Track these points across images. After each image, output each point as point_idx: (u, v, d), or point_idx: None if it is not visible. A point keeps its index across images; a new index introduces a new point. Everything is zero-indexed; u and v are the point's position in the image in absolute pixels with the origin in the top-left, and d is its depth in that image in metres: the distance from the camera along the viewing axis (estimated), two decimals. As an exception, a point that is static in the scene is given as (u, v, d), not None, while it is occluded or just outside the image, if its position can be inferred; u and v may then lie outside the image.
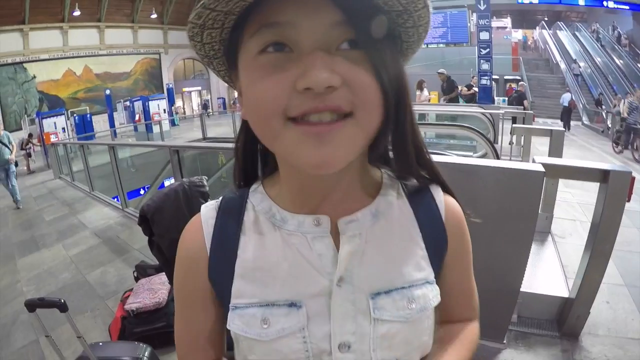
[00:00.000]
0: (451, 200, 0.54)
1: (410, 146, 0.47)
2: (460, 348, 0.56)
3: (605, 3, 17.25)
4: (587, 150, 8.73)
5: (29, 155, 11.64)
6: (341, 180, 0.47)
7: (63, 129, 13.18)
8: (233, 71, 0.47)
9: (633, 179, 1.83)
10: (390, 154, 0.51)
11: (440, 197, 0.53)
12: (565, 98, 12.96)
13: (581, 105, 14.75)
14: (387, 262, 0.48)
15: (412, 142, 0.47)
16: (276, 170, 0.52)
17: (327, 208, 0.48)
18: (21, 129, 14.88)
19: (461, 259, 0.55)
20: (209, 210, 0.53)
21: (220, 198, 0.55)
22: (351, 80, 0.38)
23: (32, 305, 1.53)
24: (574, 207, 4.26)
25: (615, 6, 17.20)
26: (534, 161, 1.80)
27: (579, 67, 16.13)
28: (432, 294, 0.49)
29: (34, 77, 18.69)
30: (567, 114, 12.76)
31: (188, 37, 0.43)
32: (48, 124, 12.84)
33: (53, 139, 11.66)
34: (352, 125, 0.39)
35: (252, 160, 0.55)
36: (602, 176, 1.86)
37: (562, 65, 17.79)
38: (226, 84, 0.55)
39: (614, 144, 8.98)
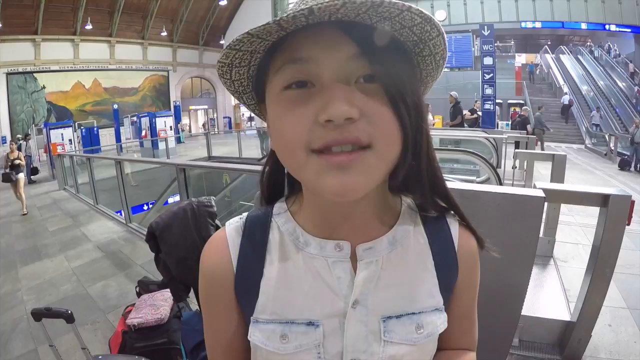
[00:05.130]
0: (466, 232, 0.56)
1: (425, 174, 0.49)
2: None
3: (607, 27, 17.46)
4: (590, 173, 8.72)
5: (10, 179, 7.45)
6: (361, 207, 0.49)
7: (70, 140, 13.28)
8: (262, 104, 0.51)
9: (633, 202, 1.85)
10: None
11: (456, 228, 0.56)
12: (565, 98, 16.87)
13: (584, 129, 14.82)
14: (400, 289, 0.51)
15: (428, 171, 0.49)
16: (300, 192, 0.55)
17: (347, 232, 0.51)
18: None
19: (468, 290, 0.57)
20: (234, 228, 0.56)
21: (245, 215, 0.57)
22: (369, 112, 0.40)
23: (38, 315, 1.54)
24: (576, 230, 4.26)
25: (617, 29, 17.42)
26: (534, 186, 1.83)
27: (600, 116, 15.39)
28: (440, 321, 0.52)
29: (44, 87, 18.96)
30: (566, 110, 16.38)
31: (218, 75, 0.47)
32: (55, 135, 12.93)
33: (59, 150, 11.78)
34: (372, 156, 0.41)
35: (278, 185, 0.58)
36: (602, 200, 1.88)
37: (565, 89, 17.96)
38: (232, 104, 0.58)
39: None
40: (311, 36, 0.41)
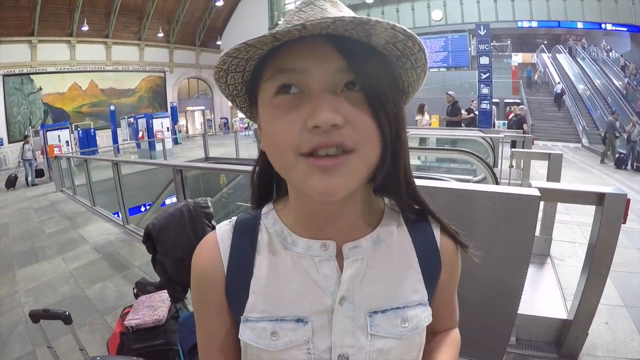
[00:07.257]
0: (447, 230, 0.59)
1: (403, 179, 0.53)
2: (449, 350, 0.64)
3: (603, 26, 17.51)
4: (587, 171, 8.77)
5: None
6: (346, 208, 0.52)
7: (67, 142, 13.28)
8: (254, 108, 0.54)
9: (628, 201, 1.85)
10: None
11: (437, 227, 0.59)
12: (558, 87, 17.61)
13: (581, 128, 14.86)
14: (385, 285, 0.53)
15: (404, 175, 0.53)
16: (287, 194, 0.57)
17: (332, 233, 0.53)
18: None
19: (450, 283, 0.61)
20: (224, 230, 0.58)
21: (235, 219, 0.60)
22: (353, 119, 0.44)
23: (36, 316, 1.55)
24: (573, 229, 4.28)
25: (613, 28, 17.46)
26: (530, 185, 1.84)
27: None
28: (424, 315, 0.55)
29: (40, 88, 18.93)
30: (559, 97, 17.09)
31: (214, 79, 0.51)
32: (52, 136, 12.94)
33: (56, 151, 11.75)
34: (355, 159, 0.44)
35: (267, 185, 0.61)
36: (597, 199, 1.89)
37: (562, 87, 18.05)
38: (229, 104, 0.60)
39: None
40: (303, 48, 0.44)
